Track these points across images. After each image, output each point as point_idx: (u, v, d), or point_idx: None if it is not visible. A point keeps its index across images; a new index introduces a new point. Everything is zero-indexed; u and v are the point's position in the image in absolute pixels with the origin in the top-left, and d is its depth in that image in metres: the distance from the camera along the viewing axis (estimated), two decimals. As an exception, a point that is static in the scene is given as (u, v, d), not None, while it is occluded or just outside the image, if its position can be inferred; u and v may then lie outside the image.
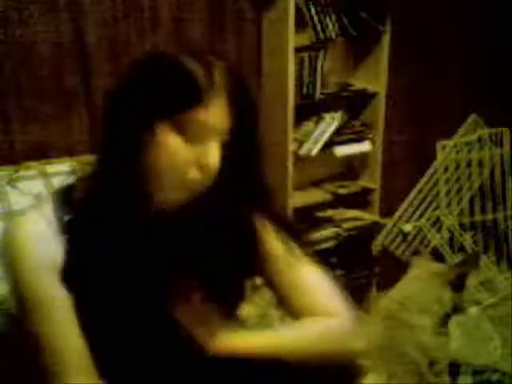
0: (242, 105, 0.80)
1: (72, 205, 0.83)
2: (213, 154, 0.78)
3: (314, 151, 2.29)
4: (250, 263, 0.92)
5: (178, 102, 0.76)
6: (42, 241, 0.80)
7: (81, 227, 0.81)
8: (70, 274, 0.81)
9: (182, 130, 0.77)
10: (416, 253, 2.70)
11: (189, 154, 0.78)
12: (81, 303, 0.81)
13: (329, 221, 2.48)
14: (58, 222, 0.81)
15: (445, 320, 1.92)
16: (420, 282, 2.12)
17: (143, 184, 0.79)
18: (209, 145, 0.78)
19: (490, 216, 2.90)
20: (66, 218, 0.82)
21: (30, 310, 0.80)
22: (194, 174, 0.79)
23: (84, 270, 0.81)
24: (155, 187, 0.80)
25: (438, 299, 1.98)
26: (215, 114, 0.77)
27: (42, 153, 1.78)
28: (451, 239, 2.83)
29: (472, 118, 2.83)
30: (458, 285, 2.10)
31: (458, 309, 1.99)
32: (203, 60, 0.79)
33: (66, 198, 0.84)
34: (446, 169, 2.79)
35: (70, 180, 0.90)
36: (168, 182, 0.79)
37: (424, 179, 2.81)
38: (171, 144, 0.77)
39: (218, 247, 0.86)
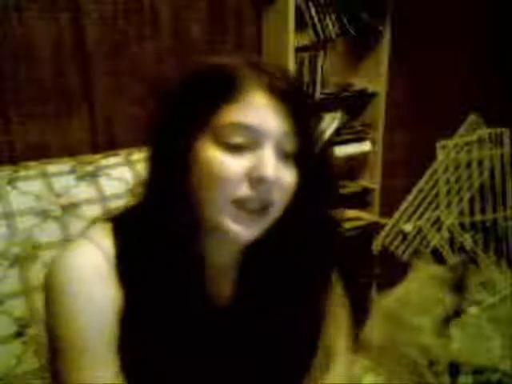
0: (297, 106, 0.68)
1: (127, 236, 0.73)
2: (265, 163, 0.65)
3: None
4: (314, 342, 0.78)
5: (207, 100, 0.67)
6: (98, 278, 0.69)
7: (140, 264, 0.71)
8: (133, 320, 0.70)
9: (220, 137, 0.66)
10: (416, 254, 2.70)
11: (236, 167, 0.66)
12: (141, 352, 0.70)
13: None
14: (114, 254, 0.71)
15: (445, 321, 1.92)
16: (421, 284, 2.12)
17: (197, 212, 0.69)
18: (260, 153, 0.66)
19: (490, 216, 2.89)
20: (123, 250, 0.72)
21: (72, 356, 0.68)
22: (246, 191, 0.66)
23: (147, 316, 0.70)
24: (209, 215, 0.68)
25: (438, 300, 1.98)
26: (256, 114, 0.66)
27: (42, 153, 1.78)
28: (451, 239, 2.83)
29: (472, 118, 2.83)
30: (458, 286, 2.10)
31: (458, 310, 1.99)
32: (242, 58, 0.71)
33: (120, 228, 0.74)
34: (446, 169, 2.79)
35: (120, 204, 0.81)
36: (220, 206, 0.67)
37: (424, 179, 2.81)
38: (212, 156, 0.66)
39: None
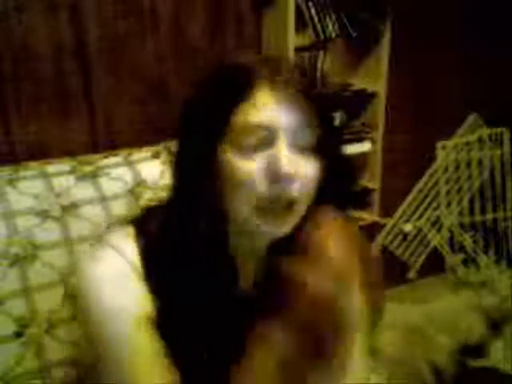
0: (308, 100, 0.69)
1: (149, 239, 0.73)
2: (280, 159, 0.66)
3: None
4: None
5: (223, 103, 0.68)
6: (122, 283, 0.69)
7: (164, 267, 0.71)
8: (162, 322, 0.70)
9: (236, 139, 0.67)
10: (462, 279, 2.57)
11: (254, 169, 0.67)
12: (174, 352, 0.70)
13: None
14: (139, 259, 0.71)
15: (465, 349, 1.87)
16: (456, 307, 2.08)
17: (224, 214, 0.70)
18: (274, 150, 0.67)
19: (489, 216, 2.89)
20: (146, 254, 0.72)
21: (110, 365, 0.69)
22: (268, 190, 0.67)
23: (178, 318, 0.71)
24: (236, 217, 0.69)
25: (468, 327, 1.95)
26: (266, 113, 0.67)
27: (42, 153, 1.78)
28: (451, 239, 2.83)
29: (472, 117, 2.83)
30: (495, 325, 2.05)
31: (481, 348, 1.93)
32: (250, 56, 0.73)
33: (142, 231, 0.74)
34: (446, 169, 2.79)
35: (140, 207, 0.82)
36: (246, 208, 0.68)
37: (424, 179, 2.81)
38: (230, 160, 0.67)
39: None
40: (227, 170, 0.68)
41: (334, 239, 0.74)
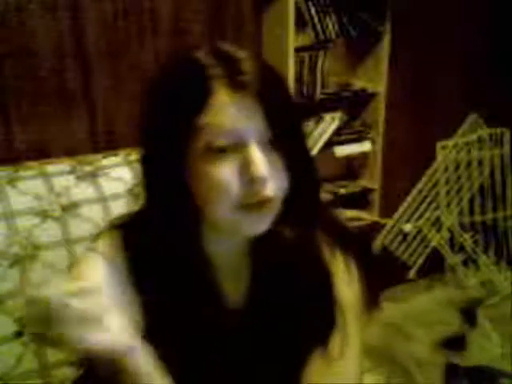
0: (274, 102, 0.66)
1: (136, 245, 0.73)
2: (253, 163, 0.64)
3: (314, 151, 2.29)
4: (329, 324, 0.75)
5: (180, 103, 0.66)
6: (110, 290, 0.67)
7: (152, 274, 0.70)
8: (150, 328, 0.69)
9: (204, 142, 0.65)
10: (435, 274, 2.65)
11: (226, 173, 0.65)
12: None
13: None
14: (124, 265, 0.71)
15: (443, 341, 1.90)
16: (430, 303, 2.11)
17: (199, 216, 0.70)
18: (246, 153, 0.65)
19: (489, 216, 2.89)
20: (134, 262, 0.71)
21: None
22: (243, 191, 0.65)
23: (164, 322, 0.70)
24: (214, 220, 0.69)
25: (443, 321, 1.97)
26: (229, 115, 0.64)
27: (42, 153, 1.78)
28: (451, 239, 2.83)
29: (472, 117, 2.83)
30: (468, 314, 2.08)
31: (461, 338, 1.96)
32: (209, 50, 0.69)
33: (128, 237, 0.74)
34: (446, 169, 2.79)
35: (121, 213, 0.81)
36: (222, 211, 0.67)
37: (424, 179, 2.81)
38: (202, 165, 0.66)
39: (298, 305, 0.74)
40: (198, 173, 0.66)
41: (316, 235, 0.75)
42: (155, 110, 0.70)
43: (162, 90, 0.70)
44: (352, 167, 2.61)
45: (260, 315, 0.75)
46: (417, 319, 1.98)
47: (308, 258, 0.75)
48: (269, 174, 0.66)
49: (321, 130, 2.34)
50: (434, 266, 2.84)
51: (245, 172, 0.65)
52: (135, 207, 0.81)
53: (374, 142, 2.47)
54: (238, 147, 0.65)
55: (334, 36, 2.22)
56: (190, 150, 0.66)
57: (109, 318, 0.57)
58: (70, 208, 1.06)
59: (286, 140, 0.67)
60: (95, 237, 0.78)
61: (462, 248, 2.84)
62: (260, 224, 0.69)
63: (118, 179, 1.13)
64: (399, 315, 2.01)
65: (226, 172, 0.65)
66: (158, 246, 0.71)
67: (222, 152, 0.65)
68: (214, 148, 0.65)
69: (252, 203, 0.66)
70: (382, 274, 0.83)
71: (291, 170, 0.69)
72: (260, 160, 0.65)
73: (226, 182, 0.65)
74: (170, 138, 0.67)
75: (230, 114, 0.64)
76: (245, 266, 0.77)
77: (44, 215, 1.04)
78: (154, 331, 0.69)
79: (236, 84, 0.64)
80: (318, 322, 0.75)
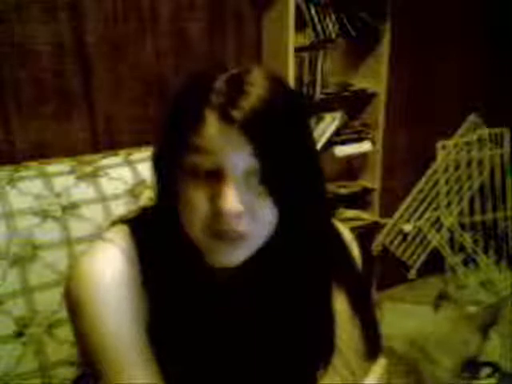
0: (263, 139, 0.63)
1: (146, 238, 0.73)
2: (223, 196, 0.63)
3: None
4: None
5: (178, 121, 0.67)
6: (123, 282, 0.68)
7: (162, 265, 0.71)
8: (160, 321, 0.70)
9: (190, 162, 0.65)
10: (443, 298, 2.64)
11: (200, 194, 0.64)
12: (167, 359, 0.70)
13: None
14: (135, 254, 0.71)
15: (468, 364, 1.88)
16: (448, 323, 2.10)
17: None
18: (220, 185, 0.63)
19: (489, 216, 2.89)
20: (144, 253, 0.71)
21: (106, 368, 0.67)
22: (209, 218, 0.65)
23: (174, 317, 0.71)
24: (196, 242, 0.68)
25: (464, 342, 1.96)
26: (214, 142, 0.63)
27: (42, 153, 1.78)
28: (451, 239, 2.83)
29: (472, 118, 2.83)
30: (485, 330, 2.07)
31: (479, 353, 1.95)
32: (215, 73, 0.67)
33: (137, 230, 0.74)
34: (446, 169, 2.79)
35: (134, 206, 0.82)
36: (196, 234, 0.66)
37: (424, 179, 2.81)
38: (184, 181, 0.66)
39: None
40: (180, 188, 0.67)
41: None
42: (165, 115, 0.72)
43: (174, 99, 0.71)
44: (352, 167, 2.61)
45: (266, 310, 0.75)
46: (438, 340, 1.95)
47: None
48: (246, 208, 0.64)
49: (321, 130, 2.34)
50: (434, 266, 2.85)
51: (214, 203, 0.64)
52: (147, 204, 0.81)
53: (374, 142, 2.47)
54: (218, 176, 0.64)
55: (333, 36, 2.22)
56: (182, 163, 0.66)
57: None
58: (70, 208, 1.06)
59: (276, 175, 0.64)
60: (106, 227, 0.78)
61: (462, 248, 2.84)
62: (231, 256, 0.67)
63: (118, 179, 1.13)
64: (419, 335, 1.98)
65: (198, 196, 0.65)
66: (165, 240, 0.72)
67: (201, 176, 0.64)
68: (196, 170, 0.64)
69: (222, 230, 0.64)
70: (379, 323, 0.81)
71: (288, 205, 0.66)
72: (229, 195, 0.62)
73: (196, 205, 0.65)
74: (169, 146, 0.69)
75: (216, 143, 0.63)
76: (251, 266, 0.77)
77: (44, 215, 1.04)
78: (160, 326, 0.70)
79: (225, 116, 0.62)
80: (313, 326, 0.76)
